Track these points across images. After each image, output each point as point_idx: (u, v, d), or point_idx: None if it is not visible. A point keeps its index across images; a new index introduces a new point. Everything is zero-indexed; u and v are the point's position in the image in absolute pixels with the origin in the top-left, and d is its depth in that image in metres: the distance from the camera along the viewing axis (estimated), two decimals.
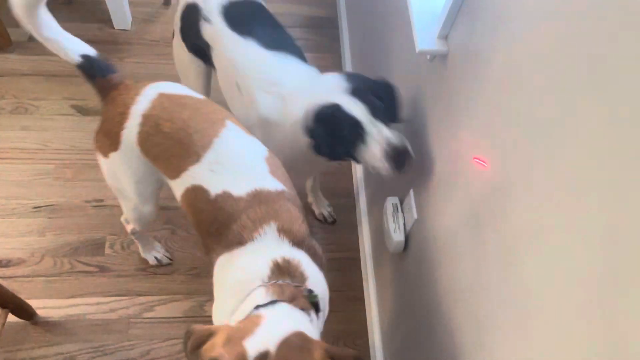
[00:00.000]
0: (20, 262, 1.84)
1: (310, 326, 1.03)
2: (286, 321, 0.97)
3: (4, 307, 1.53)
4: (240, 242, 1.15)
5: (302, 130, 1.40)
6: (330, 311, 1.86)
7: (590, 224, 0.64)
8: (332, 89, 1.36)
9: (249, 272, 1.11)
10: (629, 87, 0.57)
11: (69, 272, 1.85)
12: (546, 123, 0.75)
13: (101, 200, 2.01)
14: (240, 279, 1.12)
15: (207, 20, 1.56)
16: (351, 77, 1.39)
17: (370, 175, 2.04)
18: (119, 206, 1.86)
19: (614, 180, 0.60)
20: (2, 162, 2.06)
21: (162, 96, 1.29)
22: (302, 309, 1.04)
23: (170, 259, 1.91)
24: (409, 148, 1.30)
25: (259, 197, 1.19)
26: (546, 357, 0.74)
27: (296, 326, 0.95)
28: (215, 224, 1.20)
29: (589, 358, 0.64)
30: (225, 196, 1.20)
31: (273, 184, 1.23)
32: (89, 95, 2.22)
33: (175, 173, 1.27)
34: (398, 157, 1.28)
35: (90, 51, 1.33)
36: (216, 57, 1.59)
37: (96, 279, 1.84)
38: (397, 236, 1.46)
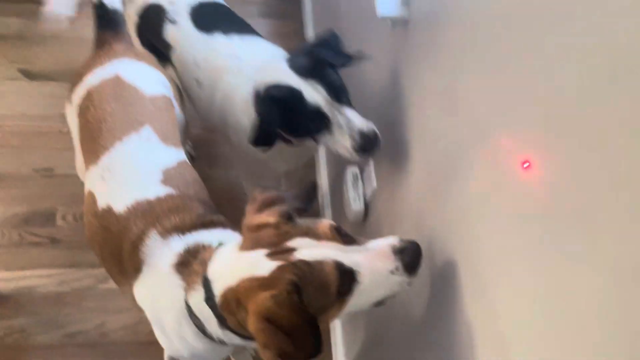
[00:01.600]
0: None
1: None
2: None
3: None
4: (136, 269, 1.04)
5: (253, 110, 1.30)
6: None
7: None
8: (286, 69, 1.22)
9: (165, 296, 1.01)
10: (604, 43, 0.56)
11: (18, 243, 1.78)
12: (512, 89, 0.74)
13: (51, 170, 1.93)
14: (167, 311, 1.02)
15: (172, 21, 1.54)
16: (306, 51, 1.26)
17: None
18: (69, 176, 1.80)
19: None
20: None
21: (114, 79, 1.23)
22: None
23: None
24: (378, 133, 1.19)
25: (135, 211, 1.07)
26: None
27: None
28: (107, 248, 1.09)
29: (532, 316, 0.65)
30: (108, 212, 1.09)
31: (156, 190, 1.10)
32: (37, 58, 2.11)
33: (86, 166, 1.20)
34: (367, 145, 1.18)
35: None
36: (177, 57, 1.55)
37: (47, 250, 1.78)
38: (356, 205, 1.46)
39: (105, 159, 1.14)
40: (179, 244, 1.02)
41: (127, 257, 1.05)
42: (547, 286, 0.61)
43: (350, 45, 1.37)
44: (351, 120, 1.17)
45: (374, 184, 1.37)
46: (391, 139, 1.27)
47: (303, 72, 1.19)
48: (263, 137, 1.25)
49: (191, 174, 1.22)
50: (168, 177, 1.14)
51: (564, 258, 0.58)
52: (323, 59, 1.22)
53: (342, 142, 1.19)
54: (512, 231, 0.70)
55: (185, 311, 0.97)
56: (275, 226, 0.87)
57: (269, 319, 0.79)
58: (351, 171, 1.52)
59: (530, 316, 0.66)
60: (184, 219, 1.06)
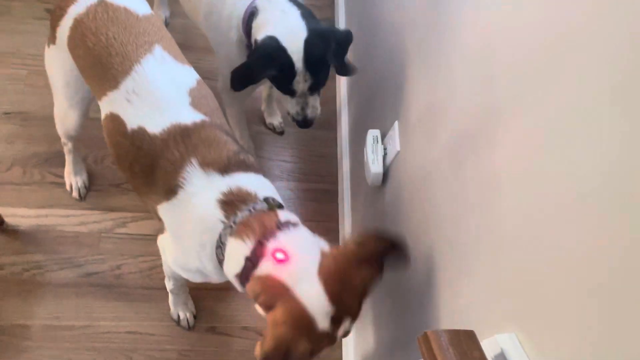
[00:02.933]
0: None
1: (305, 229, 1.06)
2: (308, 274, 0.93)
3: None
4: (170, 190, 1.09)
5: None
6: None
7: (571, 162, 0.62)
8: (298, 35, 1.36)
9: (202, 224, 1.06)
10: None
11: (39, 182, 1.80)
12: (539, 56, 0.71)
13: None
14: (198, 235, 1.08)
15: None
16: (317, 35, 1.37)
17: (353, 109, 2.00)
18: (92, 119, 1.81)
19: (608, 115, 0.57)
20: None
21: (101, 4, 1.19)
22: (279, 226, 1.01)
23: (191, 326, 1.68)
24: (314, 121, 1.55)
25: (174, 134, 1.10)
26: (516, 278, 0.74)
27: (308, 249, 0.97)
28: (137, 165, 1.13)
29: (554, 284, 0.64)
30: (141, 133, 1.12)
31: (191, 116, 1.14)
32: None
33: (98, 94, 1.21)
34: (302, 124, 1.54)
35: None
36: None
37: (67, 191, 1.80)
38: (375, 168, 1.44)
39: (128, 83, 1.14)
40: (221, 182, 1.07)
41: (162, 176, 1.09)
42: None
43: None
44: (307, 106, 1.50)
45: (398, 146, 1.35)
46: (416, 100, 1.24)
47: (309, 54, 1.36)
48: (241, 78, 1.38)
49: (210, 95, 1.24)
50: (195, 99, 1.17)
51: None
52: (327, 58, 1.40)
53: (291, 110, 1.52)
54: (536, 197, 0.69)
55: (214, 242, 1.04)
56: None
57: (279, 349, 0.88)
58: (372, 133, 1.50)
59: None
60: (221, 155, 1.10)
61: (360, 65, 2.02)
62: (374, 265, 0.99)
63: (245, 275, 1.00)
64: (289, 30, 1.36)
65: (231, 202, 1.05)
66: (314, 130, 2.06)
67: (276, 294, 0.92)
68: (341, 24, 2.26)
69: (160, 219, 1.18)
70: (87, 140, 1.85)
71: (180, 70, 1.21)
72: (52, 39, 1.28)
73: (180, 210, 1.10)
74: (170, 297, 1.61)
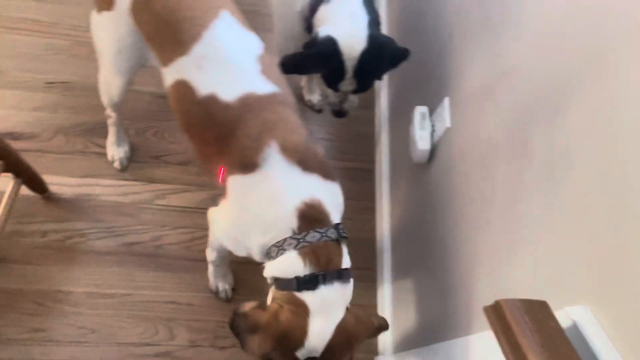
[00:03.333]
0: (32, 136, 1.81)
1: (349, 287, 1.08)
2: (329, 317, 1.02)
3: (17, 177, 1.52)
4: (247, 165, 1.09)
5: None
6: (348, 219, 1.88)
7: None
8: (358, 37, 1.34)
9: (274, 220, 1.08)
10: None
11: (81, 152, 1.82)
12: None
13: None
14: (264, 224, 1.10)
15: None
16: (375, 47, 1.37)
17: (394, 86, 1.97)
18: (134, 91, 1.82)
19: None
20: (15, 32, 1.97)
21: None
22: (339, 273, 1.05)
23: (229, 298, 1.69)
24: (349, 113, 1.59)
25: (249, 104, 1.11)
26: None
27: (338, 316, 1.02)
28: (209, 132, 1.13)
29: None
30: (213, 100, 1.11)
31: (264, 86, 1.14)
32: None
33: (165, 61, 1.20)
34: (335, 114, 1.60)
35: None
36: None
37: (109, 162, 1.81)
38: (422, 144, 1.42)
39: (199, 48, 1.13)
40: (302, 184, 1.10)
41: (240, 149, 1.10)
42: None
43: None
44: (346, 101, 1.55)
45: (447, 123, 1.32)
46: (469, 73, 1.21)
47: (362, 65, 1.36)
48: (293, 66, 1.34)
49: (273, 62, 1.23)
50: (265, 68, 1.17)
51: None
52: (378, 72, 1.44)
53: (330, 99, 1.56)
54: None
55: (275, 240, 1.07)
56: None
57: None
58: (419, 109, 1.48)
59: None
60: (298, 143, 1.11)
61: (403, 40, 1.99)
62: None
63: (284, 285, 1.05)
64: (350, 36, 1.33)
65: (308, 218, 1.07)
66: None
67: (295, 311, 1.01)
68: None
69: (223, 188, 1.17)
70: (129, 112, 1.86)
71: (248, 36, 1.20)
72: (106, 5, 1.27)
73: (254, 189, 1.11)
74: (210, 269, 1.62)
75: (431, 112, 1.46)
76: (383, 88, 2.07)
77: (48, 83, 1.90)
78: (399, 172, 1.79)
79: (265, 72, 1.16)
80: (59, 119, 1.85)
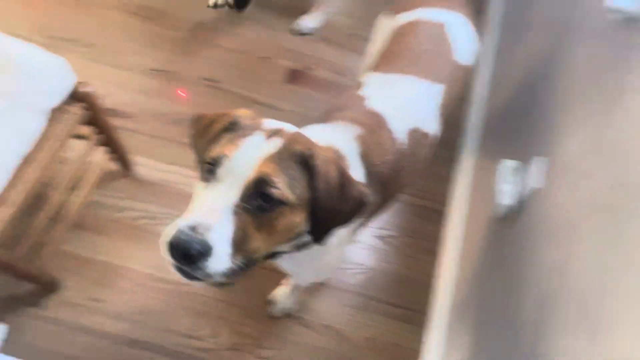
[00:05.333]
0: (129, 116, 1.91)
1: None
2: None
3: (111, 152, 1.60)
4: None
5: None
6: (401, 254, 1.85)
7: None
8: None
9: None
10: None
11: (171, 139, 1.90)
12: None
13: (217, 82, 2.03)
14: None
15: None
16: None
17: (484, 133, 1.93)
18: (229, 92, 1.89)
19: None
20: (133, 17, 2.10)
21: (440, 27, 1.37)
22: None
23: (284, 315, 1.72)
24: None
25: (412, 137, 1.26)
26: None
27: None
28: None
29: None
30: (376, 116, 1.22)
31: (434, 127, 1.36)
32: None
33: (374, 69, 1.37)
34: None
35: None
36: None
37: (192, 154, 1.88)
38: (506, 200, 1.38)
39: (395, 77, 1.27)
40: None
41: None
42: None
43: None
44: None
45: (537, 183, 1.28)
46: (582, 137, 1.17)
47: None
48: None
49: None
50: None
51: None
52: None
53: None
54: None
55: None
56: None
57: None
58: (508, 163, 1.43)
59: None
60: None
61: (497, 88, 1.95)
62: None
63: None
64: None
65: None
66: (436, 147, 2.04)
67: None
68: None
69: None
70: (221, 109, 1.92)
71: (436, 114, 1.38)
72: (393, 14, 1.46)
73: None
74: (286, 288, 1.65)
75: (521, 168, 1.42)
76: (469, 132, 2.04)
77: (152, 70, 2.01)
78: (472, 222, 1.74)
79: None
80: (157, 104, 1.95)
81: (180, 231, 0.77)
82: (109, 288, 1.67)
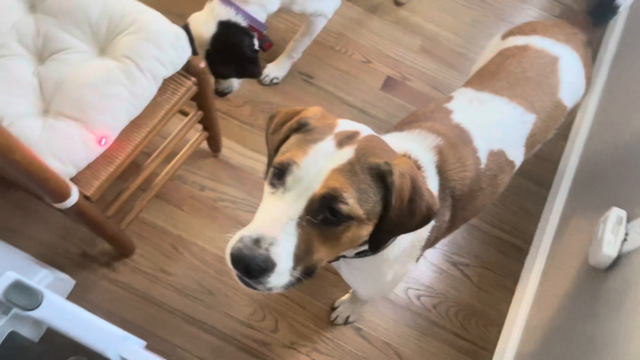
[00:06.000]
0: (225, 99, 1.93)
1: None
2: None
3: (205, 130, 1.62)
4: None
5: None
6: (474, 284, 1.77)
7: None
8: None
9: None
10: None
11: (260, 127, 1.91)
12: None
13: (311, 77, 2.02)
14: None
15: None
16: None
17: (585, 175, 1.82)
18: (322, 89, 1.88)
19: None
20: None
21: (553, 59, 1.29)
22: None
23: (343, 324, 1.68)
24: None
25: (494, 160, 1.20)
26: None
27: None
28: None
29: None
30: (461, 131, 1.17)
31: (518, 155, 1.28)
32: None
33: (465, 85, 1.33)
34: (216, 91, 1.73)
35: None
36: None
37: None
38: (609, 250, 1.28)
39: (487, 95, 1.21)
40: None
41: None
42: None
43: None
44: (219, 83, 1.72)
45: None
46: None
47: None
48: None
49: None
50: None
51: None
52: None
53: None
54: None
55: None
56: None
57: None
58: (616, 212, 1.34)
59: None
60: None
61: (601, 130, 1.84)
62: None
63: None
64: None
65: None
66: (527, 181, 1.94)
67: None
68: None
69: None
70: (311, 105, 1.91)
71: (522, 144, 1.31)
72: (504, 36, 1.41)
73: None
74: (348, 296, 1.61)
75: (629, 218, 1.32)
76: (566, 171, 1.93)
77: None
78: (557, 266, 1.64)
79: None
80: (250, 91, 1.96)
81: (244, 245, 0.75)
82: (178, 262, 1.69)
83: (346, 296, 1.64)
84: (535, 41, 1.31)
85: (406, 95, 2.05)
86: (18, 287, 0.60)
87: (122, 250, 1.63)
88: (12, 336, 1.27)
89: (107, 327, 0.62)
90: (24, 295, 0.59)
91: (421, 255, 1.16)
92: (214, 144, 1.74)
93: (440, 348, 1.68)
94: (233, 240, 0.78)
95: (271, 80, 1.96)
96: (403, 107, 2.02)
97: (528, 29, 1.37)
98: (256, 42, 1.57)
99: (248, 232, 0.76)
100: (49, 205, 1.51)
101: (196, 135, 1.61)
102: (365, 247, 0.92)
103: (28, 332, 1.38)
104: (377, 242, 0.87)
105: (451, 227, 1.18)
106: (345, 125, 0.86)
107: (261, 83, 1.97)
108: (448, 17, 2.23)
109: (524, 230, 1.88)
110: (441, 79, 2.10)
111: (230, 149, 1.85)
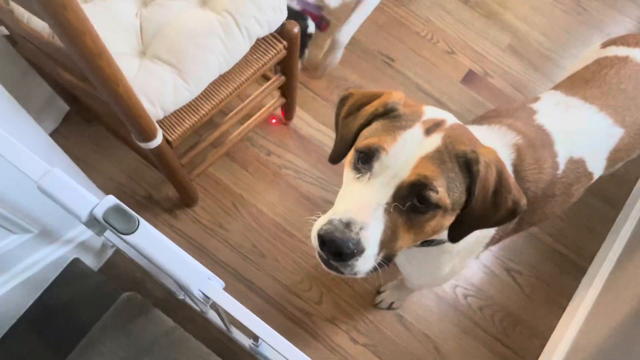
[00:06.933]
0: (303, 69, 1.93)
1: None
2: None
3: (282, 96, 1.63)
4: None
5: None
6: (524, 294, 1.73)
7: None
8: None
9: None
10: None
11: (332, 101, 1.91)
12: None
13: (392, 60, 2.00)
14: None
15: None
16: None
17: None
18: (402, 73, 1.85)
19: None
20: None
21: (623, 57, 1.25)
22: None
23: (386, 308, 1.68)
24: None
25: (571, 167, 1.15)
26: None
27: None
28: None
29: None
30: (544, 133, 1.13)
31: (598, 168, 1.23)
32: None
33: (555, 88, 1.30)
34: None
35: None
36: None
37: None
38: None
39: (575, 101, 1.17)
40: None
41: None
42: None
43: None
44: None
45: None
46: None
47: None
48: None
49: None
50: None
51: None
52: None
53: None
54: None
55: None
56: None
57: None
58: None
59: None
60: None
61: None
62: None
63: None
64: None
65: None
66: (597, 200, 1.87)
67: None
68: None
69: None
70: (387, 87, 1.89)
71: (604, 156, 1.27)
72: (605, 45, 1.36)
73: None
74: (396, 282, 1.61)
75: None
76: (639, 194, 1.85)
77: None
78: (614, 289, 1.58)
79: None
80: (334, 68, 1.95)
81: (335, 227, 0.75)
82: (235, 220, 1.73)
83: (394, 282, 1.64)
84: (638, 54, 1.25)
85: (486, 92, 2.00)
86: (117, 211, 0.63)
87: (186, 200, 1.68)
88: (75, 262, 1.34)
89: (194, 264, 0.64)
90: (122, 220, 0.62)
91: (482, 252, 1.15)
92: (289, 111, 1.75)
93: (479, 350, 1.66)
94: (320, 223, 0.78)
95: (325, 70, 1.91)
96: (481, 104, 1.98)
97: (632, 40, 1.30)
98: (311, 25, 1.58)
99: (338, 215, 0.77)
100: (126, 144, 1.58)
101: (273, 100, 1.62)
102: (438, 236, 0.91)
103: (89, 262, 1.46)
104: (457, 234, 0.86)
105: (517, 228, 1.16)
106: (431, 112, 0.86)
107: (318, 76, 1.94)
108: (542, 18, 2.15)
109: (586, 249, 1.82)
110: (525, 81, 2.04)
111: (301, 118, 1.86)
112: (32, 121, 1.09)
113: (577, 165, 1.13)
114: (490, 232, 1.08)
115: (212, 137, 1.44)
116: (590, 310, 1.64)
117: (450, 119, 0.86)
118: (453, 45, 2.06)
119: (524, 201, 0.85)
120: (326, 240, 0.76)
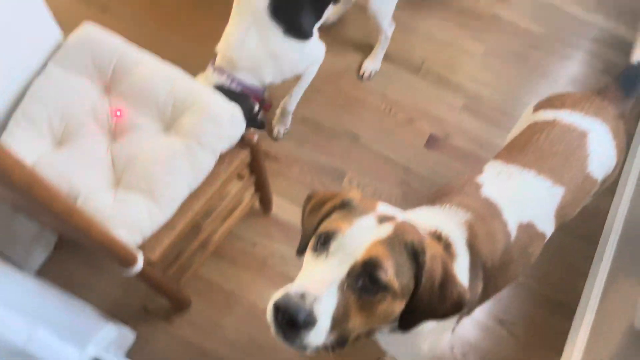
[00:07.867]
0: (275, 159, 2.04)
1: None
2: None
3: (257, 191, 1.73)
4: None
5: None
6: (523, 345, 1.76)
7: None
8: None
9: None
10: None
11: (310, 186, 1.99)
12: None
13: (358, 136, 2.11)
14: None
15: None
16: None
17: (635, 235, 1.80)
18: (367, 149, 1.93)
19: None
20: None
21: (580, 134, 1.32)
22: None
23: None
24: None
25: (524, 233, 1.23)
26: None
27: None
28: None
29: None
30: (490, 206, 1.22)
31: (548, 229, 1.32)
32: None
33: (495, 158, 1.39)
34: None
35: None
36: None
37: None
38: None
39: (513, 169, 1.26)
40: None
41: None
42: None
43: None
44: None
45: None
46: None
47: None
48: None
49: None
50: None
51: None
52: None
53: None
54: None
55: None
56: None
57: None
58: None
59: None
60: None
61: None
62: None
63: None
64: None
65: None
66: (573, 239, 1.93)
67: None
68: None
69: None
70: (358, 165, 1.99)
71: (552, 217, 1.33)
72: (534, 108, 1.46)
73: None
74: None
75: None
76: (614, 228, 1.91)
77: (303, 119, 2.14)
78: (608, 330, 1.62)
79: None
80: (302, 151, 2.05)
81: (290, 296, 0.81)
82: (229, 315, 1.78)
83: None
84: (564, 116, 1.35)
85: (449, 152, 2.10)
86: None
87: (179, 305, 1.74)
88: None
89: None
90: None
91: (456, 326, 1.20)
92: (266, 203, 1.85)
93: None
94: (277, 294, 0.84)
95: (282, 134, 2.09)
96: (446, 165, 2.07)
97: (558, 102, 1.40)
98: (255, 105, 1.72)
99: (294, 288, 0.83)
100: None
101: (249, 197, 1.72)
102: (397, 324, 0.97)
103: None
104: (407, 322, 0.93)
105: (484, 297, 1.22)
106: (384, 208, 0.95)
107: (274, 139, 2.10)
108: (490, 75, 2.28)
109: (572, 287, 1.87)
110: (485, 137, 2.14)
111: (279, 206, 1.95)
112: (14, 273, 1.14)
113: (528, 229, 1.21)
114: None
115: (195, 244, 1.52)
116: (584, 351, 1.66)
117: (401, 216, 0.95)
118: (411, 113, 2.18)
119: (467, 295, 0.92)
120: (280, 308, 0.81)
